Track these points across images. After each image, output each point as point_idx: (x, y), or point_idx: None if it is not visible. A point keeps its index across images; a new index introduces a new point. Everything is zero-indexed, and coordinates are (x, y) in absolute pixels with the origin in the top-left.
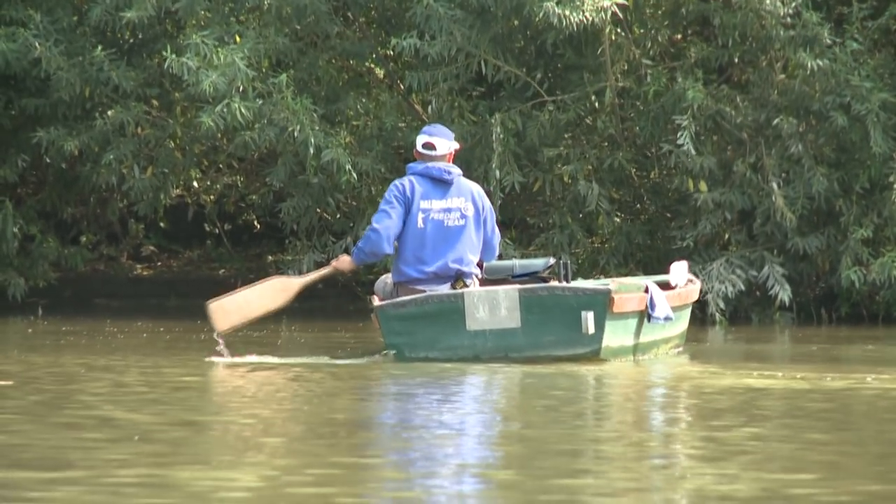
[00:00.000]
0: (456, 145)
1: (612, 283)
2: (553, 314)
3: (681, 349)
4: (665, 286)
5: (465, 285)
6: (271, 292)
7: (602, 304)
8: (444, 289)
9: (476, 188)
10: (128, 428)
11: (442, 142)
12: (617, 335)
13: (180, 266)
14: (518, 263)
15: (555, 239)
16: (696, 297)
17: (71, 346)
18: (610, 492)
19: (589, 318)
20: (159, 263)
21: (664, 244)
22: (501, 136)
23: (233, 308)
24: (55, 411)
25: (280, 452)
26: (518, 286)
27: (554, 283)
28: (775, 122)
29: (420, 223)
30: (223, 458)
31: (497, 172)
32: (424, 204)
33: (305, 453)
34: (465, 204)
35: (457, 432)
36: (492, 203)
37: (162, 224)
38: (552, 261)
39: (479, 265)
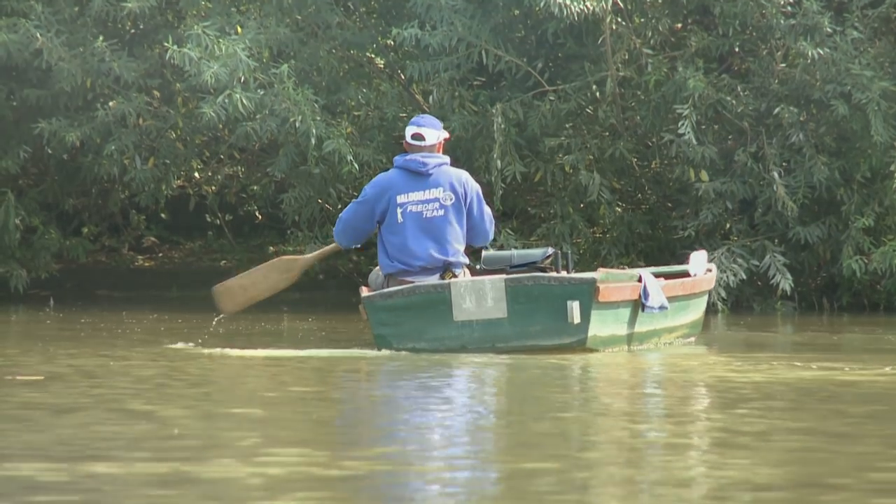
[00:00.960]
0: (445, 134)
1: (598, 273)
2: (539, 304)
3: (693, 339)
4: (684, 276)
5: (454, 276)
6: (276, 273)
7: (587, 294)
8: (433, 280)
9: (458, 175)
10: (156, 421)
11: (430, 132)
12: (606, 324)
13: (182, 257)
14: (516, 254)
15: (556, 229)
16: (707, 286)
17: (91, 339)
18: (617, 482)
19: (574, 307)
20: (160, 254)
21: (665, 234)
22: (502, 126)
23: (238, 291)
24: (85, 406)
25: (307, 444)
26: (504, 276)
27: (552, 273)
28: (776, 111)
29: (399, 217)
30: (253, 451)
31: (498, 162)
32: (401, 198)
33: (331, 445)
34: (444, 193)
35: (475, 424)
36: (493, 193)
37: (163, 215)
38: (551, 251)
39: (478, 253)
